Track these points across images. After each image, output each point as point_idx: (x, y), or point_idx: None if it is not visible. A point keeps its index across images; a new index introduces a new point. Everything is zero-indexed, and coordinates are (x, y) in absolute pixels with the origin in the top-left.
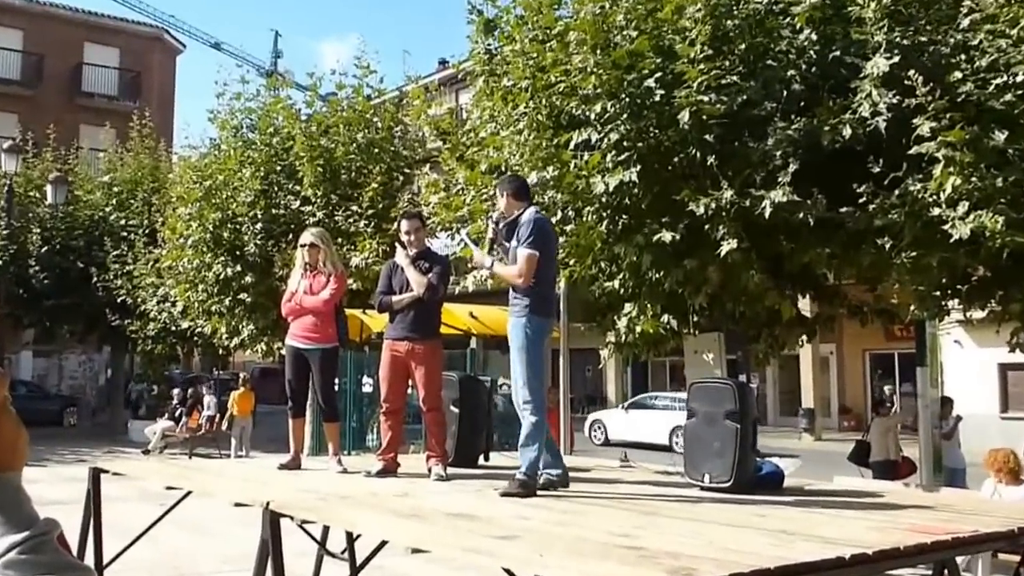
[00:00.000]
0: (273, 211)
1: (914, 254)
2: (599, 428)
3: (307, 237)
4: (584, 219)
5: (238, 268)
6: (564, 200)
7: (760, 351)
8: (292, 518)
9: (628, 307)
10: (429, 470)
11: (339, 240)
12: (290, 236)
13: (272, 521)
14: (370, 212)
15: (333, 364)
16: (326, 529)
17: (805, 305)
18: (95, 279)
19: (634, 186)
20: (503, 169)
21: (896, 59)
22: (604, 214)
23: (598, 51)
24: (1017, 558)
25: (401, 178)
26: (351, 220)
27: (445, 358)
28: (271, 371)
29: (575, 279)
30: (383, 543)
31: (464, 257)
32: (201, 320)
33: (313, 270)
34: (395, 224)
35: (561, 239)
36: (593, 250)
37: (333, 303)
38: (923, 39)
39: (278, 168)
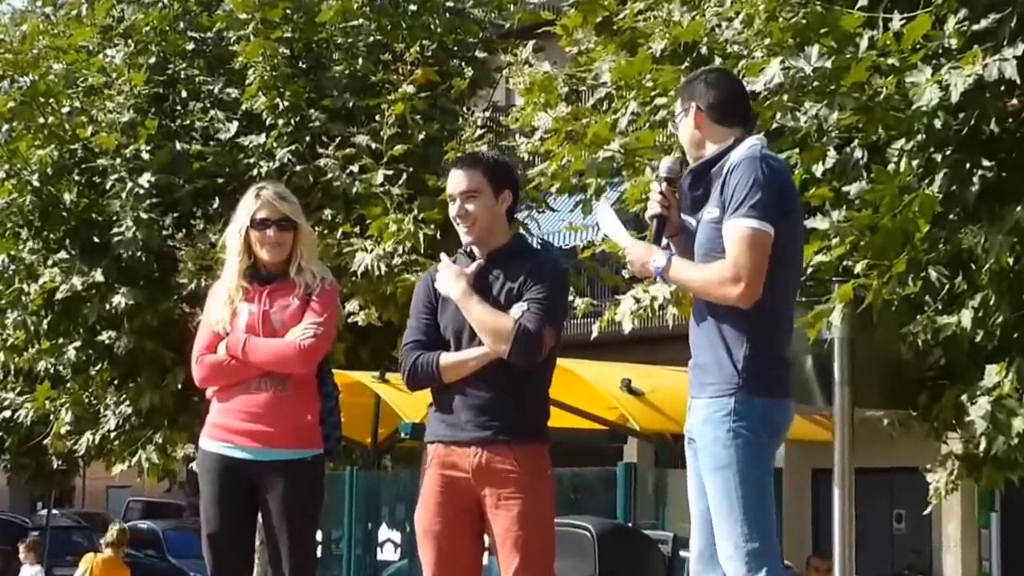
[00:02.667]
0: (178, 145)
1: None
2: None
3: (265, 199)
4: (894, 169)
5: (97, 275)
6: (842, 123)
7: None
8: None
9: (994, 373)
10: None
11: (326, 213)
12: (214, 204)
13: None
14: (397, 149)
15: (314, 498)
16: None
17: None
18: None
19: (1014, 90)
20: (702, 55)
21: None
22: (938, 158)
23: None
24: None
25: (469, 72)
26: (355, 172)
27: (556, 483)
28: (168, 510)
29: (866, 308)
30: None
31: (612, 253)
32: (12, 392)
33: (270, 281)
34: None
35: (836, 214)
36: (910, 241)
37: (321, 354)
38: None
39: (189, 48)
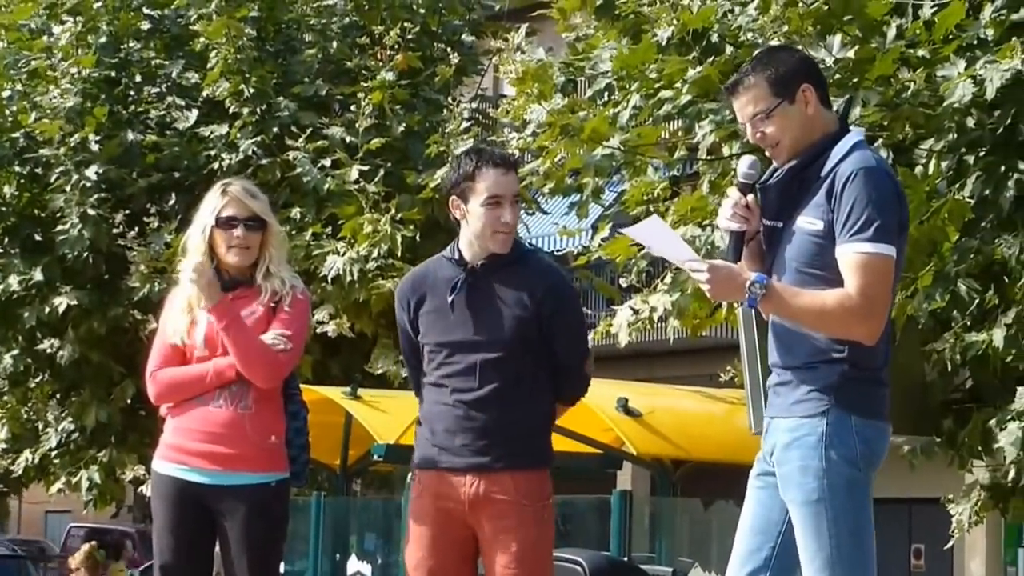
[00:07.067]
0: (131, 135)
1: None
2: None
3: (233, 195)
4: (922, 171)
5: (37, 275)
6: (866, 120)
7: None
8: None
9: None
10: None
11: (294, 212)
12: (170, 200)
13: None
14: (374, 143)
15: (277, 526)
16: None
17: None
18: None
19: None
20: (713, 43)
21: None
22: (970, 160)
23: None
24: None
25: (455, 59)
26: (326, 167)
27: (558, 516)
28: (117, 539)
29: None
30: None
31: (609, 260)
32: None
33: (233, 287)
34: (444, 172)
35: None
36: (937, 251)
37: (288, 370)
38: None
39: (144, 27)
